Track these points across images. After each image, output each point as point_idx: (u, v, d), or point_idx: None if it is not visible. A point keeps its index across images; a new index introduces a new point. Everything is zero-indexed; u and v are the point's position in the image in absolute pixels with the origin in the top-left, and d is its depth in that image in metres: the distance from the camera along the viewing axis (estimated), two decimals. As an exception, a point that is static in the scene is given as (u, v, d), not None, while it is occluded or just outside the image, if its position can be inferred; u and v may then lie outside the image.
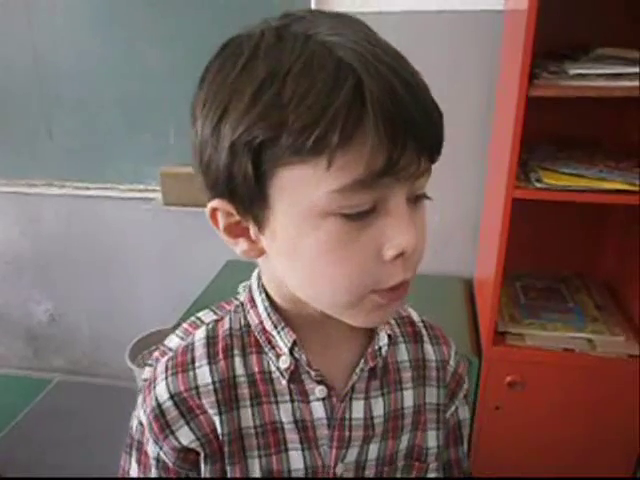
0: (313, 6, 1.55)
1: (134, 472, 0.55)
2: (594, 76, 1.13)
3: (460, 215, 1.75)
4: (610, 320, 1.43)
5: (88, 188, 1.94)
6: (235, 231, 0.48)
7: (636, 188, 1.16)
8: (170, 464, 0.52)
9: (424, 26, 1.56)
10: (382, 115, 0.38)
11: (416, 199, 0.45)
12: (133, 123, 1.82)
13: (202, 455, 0.52)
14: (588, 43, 1.18)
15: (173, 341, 0.57)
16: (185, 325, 0.58)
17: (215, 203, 0.46)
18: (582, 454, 1.45)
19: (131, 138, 1.84)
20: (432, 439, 0.60)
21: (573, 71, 1.14)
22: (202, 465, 0.52)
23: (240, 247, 0.49)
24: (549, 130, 1.44)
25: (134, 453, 0.55)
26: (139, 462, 0.54)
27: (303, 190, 0.41)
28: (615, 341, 1.35)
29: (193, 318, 0.58)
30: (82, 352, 2.31)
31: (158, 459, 0.52)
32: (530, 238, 1.55)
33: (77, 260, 2.13)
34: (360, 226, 0.42)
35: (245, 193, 0.43)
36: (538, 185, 1.21)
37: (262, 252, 0.48)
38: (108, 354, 2.26)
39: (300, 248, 0.44)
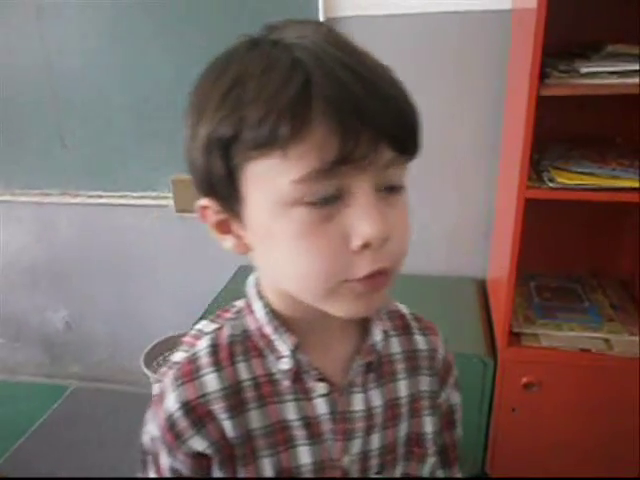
0: (321, 11, 1.55)
1: None
2: (606, 74, 1.12)
3: (472, 216, 1.74)
4: (627, 320, 1.42)
5: (101, 196, 1.96)
6: (223, 228, 0.51)
7: (650, 186, 1.15)
8: (185, 471, 0.53)
9: (433, 27, 1.56)
10: (330, 106, 0.40)
11: (390, 190, 0.46)
12: (144, 131, 1.83)
13: (215, 460, 0.53)
14: (599, 41, 1.17)
15: (178, 355, 0.58)
16: (187, 338, 0.59)
17: (203, 201, 0.50)
18: (599, 455, 1.43)
19: (143, 146, 1.85)
20: (428, 425, 0.62)
21: (584, 69, 1.13)
22: (216, 470, 0.53)
23: (228, 243, 0.52)
24: (560, 129, 1.43)
25: (151, 466, 0.56)
26: (156, 474, 0.56)
27: (268, 182, 0.43)
28: (632, 341, 1.34)
29: (193, 331, 0.59)
30: (98, 359, 2.33)
31: (173, 469, 0.53)
32: (543, 237, 1.54)
33: (92, 267, 2.15)
34: (327, 215, 0.43)
35: (222, 190, 0.46)
36: (551, 185, 1.21)
37: (248, 248, 0.51)
38: (124, 360, 2.27)
39: (272, 239, 0.46)
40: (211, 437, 0.52)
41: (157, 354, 2.00)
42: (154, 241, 2.04)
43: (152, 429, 0.55)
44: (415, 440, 0.61)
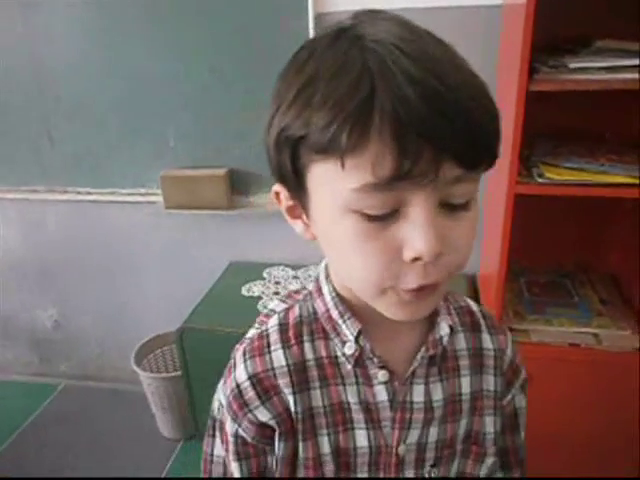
0: (310, 5, 1.54)
1: (218, 450, 0.60)
2: (594, 69, 1.12)
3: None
4: (615, 314, 1.43)
5: (90, 193, 1.94)
6: (294, 213, 0.53)
7: (638, 181, 1.15)
8: (249, 439, 0.56)
9: (422, 23, 1.55)
10: (389, 123, 0.39)
11: (453, 206, 0.44)
12: (133, 127, 1.82)
13: (277, 432, 0.56)
14: (588, 36, 1.17)
15: (251, 332, 0.61)
16: (260, 317, 0.63)
17: (276, 187, 0.52)
18: (589, 448, 1.44)
19: (131, 142, 1.84)
20: (489, 425, 0.62)
21: (573, 65, 1.13)
22: (277, 441, 0.56)
23: (298, 228, 0.54)
24: (550, 124, 1.43)
25: (217, 433, 0.60)
26: (222, 440, 0.59)
27: (329, 185, 0.44)
28: (621, 335, 1.35)
29: (267, 310, 0.63)
30: (87, 357, 2.32)
31: (237, 435, 0.57)
32: (533, 233, 1.54)
33: (81, 265, 2.14)
34: (381, 226, 0.44)
35: (290, 182, 0.48)
36: (540, 180, 1.21)
37: (315, 236, 0.52)
38: (114, 358, 2.26)
39: (330, 237, 0.48)
40: (275, 409, 0.55)
41: (147, 352, 1.99)
42: (143, 238, 2.02)
43: (221, 397, 0.58)
44: (474, 438, 0.62)
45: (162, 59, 1.71)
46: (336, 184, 0.43)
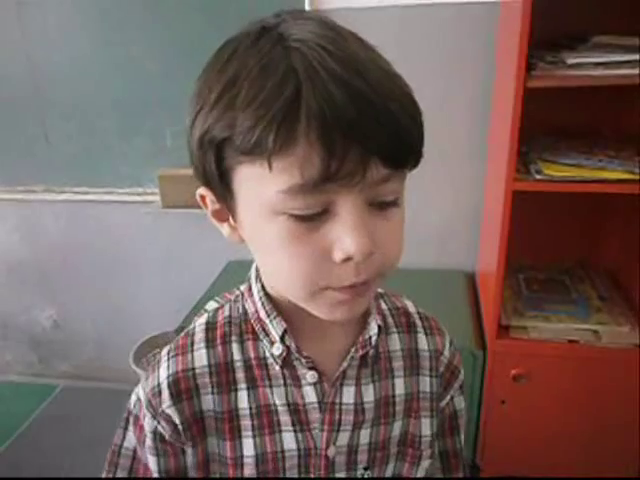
0: (307, 3, 1.54)
1: (128, 442, 0.59)
2: (592, 65, 1.12)
3: (461, 209, 1.74)
4: (614, 310, 1.42)
5: (87, 193, 1.94)
6: (220, 216, 0.52)
7: (636, 177, 1.15)
8: (167, 436, 0.55)
9: (420, 19, 1.55)
10: (316, 124, 0.39)
11: (381, 205, 0.45)
12: (130, 126, 1.81)
13: (182, 436, 0.55)
14: (585, 32, 1.17)
15: (184, 332, 0.60)
16: (196, 317, 0.62)
17: (201, 190, 0.51)
18: (588, 445, 1.44)
19: (128, 141, 1.83)
20: (426, 427, 0.62)
21: (571, 60, 1.13)
22: (187, 448, 0.55)
23: (225, 231, 0.53)
24: (548, 120, 1.43)
25: (131, 427, 0.59)
26: (136, 434, 0.58)
27: (256, 188, 0.43)
28: (620, 331, 1.35)
29: (202, 310, 0.62)
30: (87, 357, 2.31)
31: (155, 432, 0.55)
32: (531, 230, 1.54)
33: (79, 265, 2.13)
34: (311, 227, 0.43)
35: (216, 185, 0.47)
36: (538, 177, 1.21)
37: (242, 238, 0.51)
38: (113, 358, 2.26)
39: (258, 241, 0.48)
40: (184, 413, 0.54)
41: (146, 351, 1.98)
42: (141, 237, 2.02)
43: (140, 393, 0.57)
44: (410, 441, 0.61)
45: (158, 58, 1.70)
46: (263, 186, 0.42)
